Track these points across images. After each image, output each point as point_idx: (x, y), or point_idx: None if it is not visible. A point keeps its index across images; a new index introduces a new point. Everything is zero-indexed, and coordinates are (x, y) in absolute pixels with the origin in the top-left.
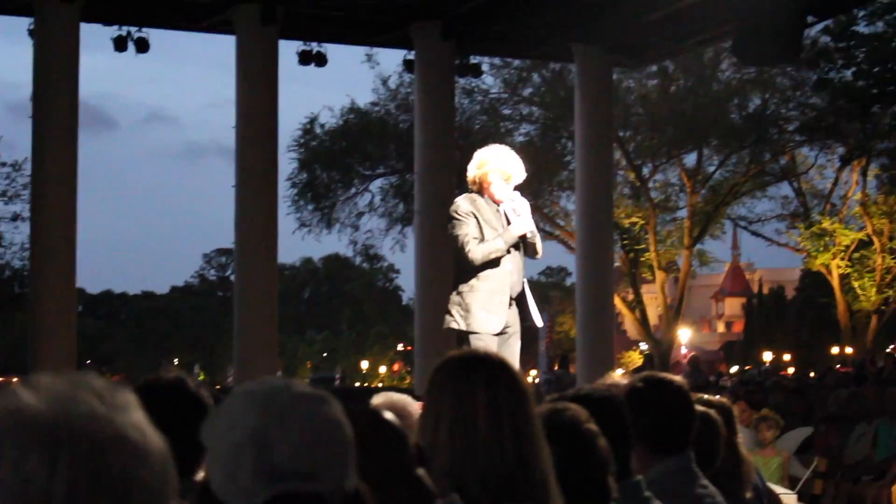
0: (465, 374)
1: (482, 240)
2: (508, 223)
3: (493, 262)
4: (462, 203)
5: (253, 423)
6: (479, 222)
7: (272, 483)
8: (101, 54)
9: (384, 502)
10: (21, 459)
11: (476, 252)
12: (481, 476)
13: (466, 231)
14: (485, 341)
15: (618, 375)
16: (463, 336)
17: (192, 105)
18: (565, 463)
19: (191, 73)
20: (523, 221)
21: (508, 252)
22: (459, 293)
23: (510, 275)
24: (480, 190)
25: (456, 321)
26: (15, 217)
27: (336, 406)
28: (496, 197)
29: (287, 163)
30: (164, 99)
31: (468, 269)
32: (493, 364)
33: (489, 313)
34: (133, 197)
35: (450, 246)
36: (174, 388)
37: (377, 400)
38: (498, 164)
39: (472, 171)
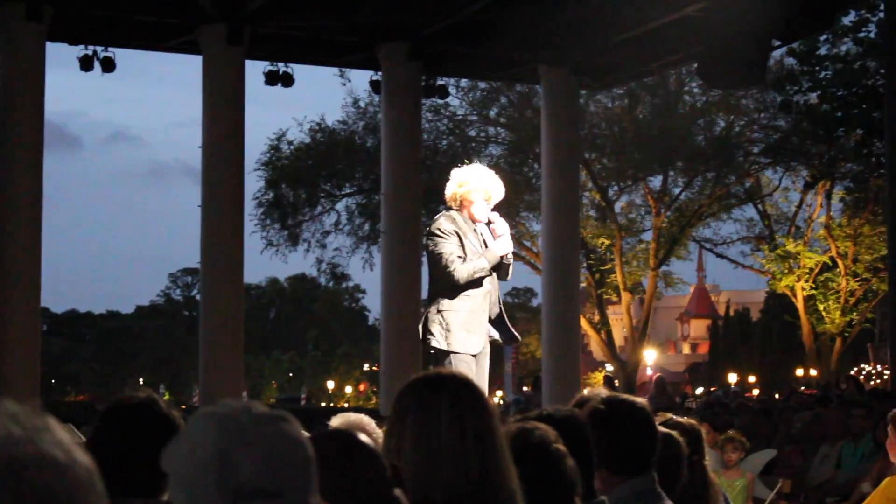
0: (429, 393)
1: (465, 259)
2: (484, 244)
3: (475, 282)
4: (444, 221)
5: (215, 444)
6: (461, 241)
7: (236, 502)
8: (67, 73)
9: None
10: None
11: (461, 271)
12: (446, 493)
13: (451, 249)
14: (465, 362)
15: (604, 390)
16: (442, 355)
17: (158, 124)
18: (533, 483)
19: (157, 93)
20: (505, 242)
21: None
22: (440, 312)
23: (489, 295)
24: (459, 207)
25: (437, 340)
26: None
27: (296, 425)
28: (476, 216)
29: (255, 181)
30: (130, 118)
31: (450, 288)
32: (457, 383)
33: (469, 333)
34: (98, 216)
35: (424, 264)
36: (144, 408)
37: (335, 422)
38: (479, 184)
39: (453, 188)
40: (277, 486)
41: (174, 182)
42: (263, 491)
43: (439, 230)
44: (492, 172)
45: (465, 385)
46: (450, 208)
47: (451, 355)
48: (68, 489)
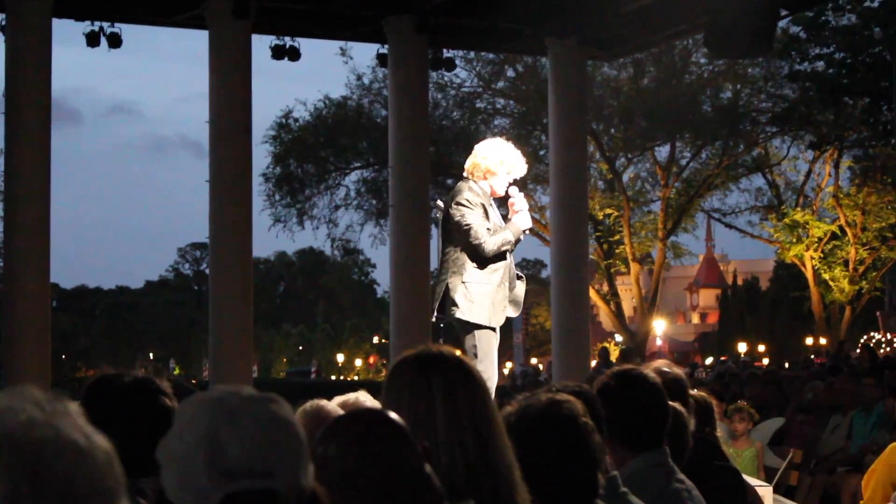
0: (421, 373)
1: (493, 231)
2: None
3: (500, 255)
4: (469, 192)
5: (203, 426)
6: (486, 212)
7: (225, 483)
8: (73, 49)
9: (394, 501)
10: None
11: (490, 243)
12: (445, 477)
13: (480, 221)
14: (487, 335)
15: (663, 362)
16: (465, 327)
17: (164, 99)
18: (560, 455)
19: (163, 68)
20: (526, 217)
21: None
22: (465, 283)
23: (509, 269)
24: (479, 179)
25: (462, 312)
26: None
27: (286, 406)
28: (496, 190)
29: (262, 157)
30: (135, 93)
31: (477, 260)
32: (448, 360)
33: (495, 307)
34: (104, 191)
35: (433, 234)
36: (136, 388)
37: (335, 402)
38: (504, 157)
39: (476, 159)
40: (267, 466)
41: (180, 157)
42: (253, 471)
43: (467, 200)
44: (513, 146)
45: (457, 364)
46: (467, 179)
47: (476, 329)
48: (87, 473)
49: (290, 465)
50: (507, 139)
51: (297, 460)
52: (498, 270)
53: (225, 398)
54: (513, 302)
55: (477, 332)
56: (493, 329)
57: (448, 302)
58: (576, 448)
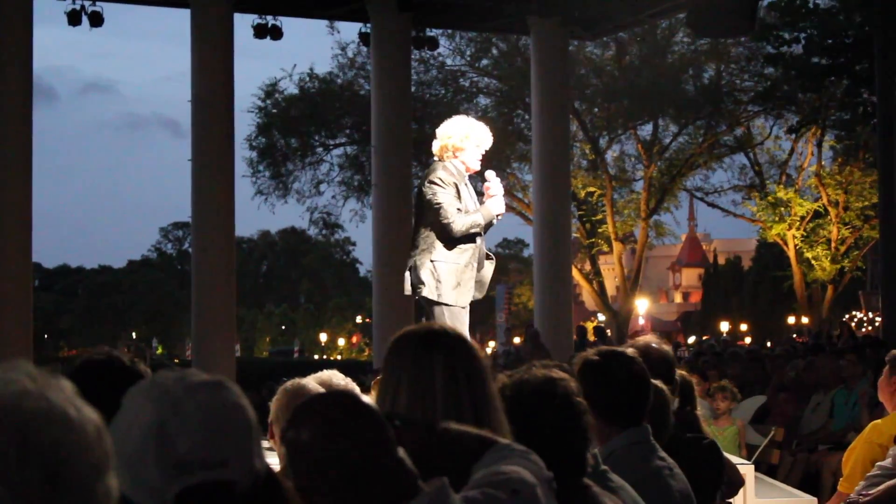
0: (423, 346)
1: (462, 211)
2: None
3: (469, 236)
4: (442, 171)
5: (150, 419)
6: (458, 192)
7: (179, 477)
8: (53, 29)
9: (368, 488)
10: None
11: (459, 224)
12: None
13: (450, 201)
14: (453, 314)
15: (650, 337)
16: (429, 305)
17: (143, 78)
18: (553, 433)
19: (144, 47)
20: (499, 202)
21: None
22: (433, 262)
23: (480, 249)
24: (450, 158)
25: (428, 290)
26: None
27: (234, 390)
28: (470, 165)
29: (246, 126)
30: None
31: (445, 239)
32: (451, 338)
33: (461, 287)
34: (81, 170)
35: (421, 211)
36: (108, 366)
37: (313, 383)
38: (468, 131)
39: (442, 141)
40: (219, 455)
41: (157, 136)
42: (205, 462)
43: (440, 179)
44: (478, 121)
45: (459, 342)
46: (437, 159)
47: (443, 307)
48: (76, 445)
49: (242, 451)
50: (490, 118)
51: (248, 445)
52: (467, 251)
53: (170, 388)
54: (478, 283)
55: (445, 310)
56: (463, 308)
57: (415, 279)
58: (569, 427)
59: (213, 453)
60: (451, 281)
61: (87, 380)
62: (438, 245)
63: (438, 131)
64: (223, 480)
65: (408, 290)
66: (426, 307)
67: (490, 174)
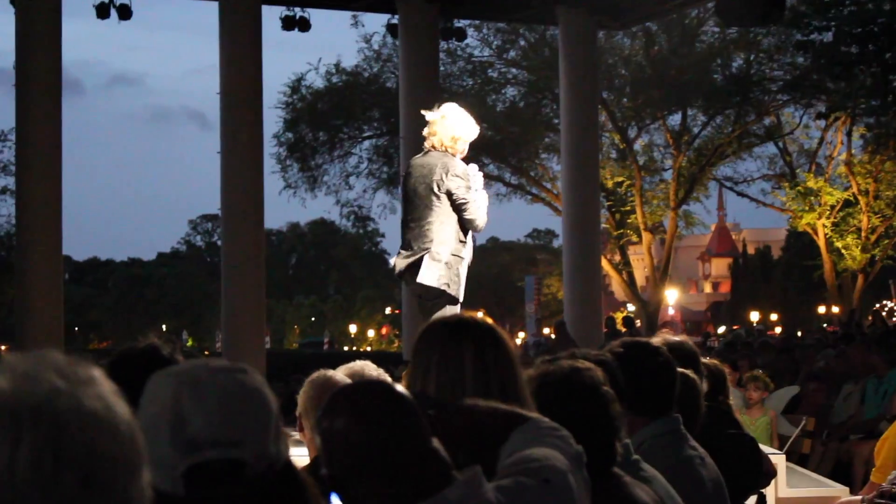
0: (453, 335)
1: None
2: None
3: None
4: (459, 165)
5: (168, 397)
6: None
7: (189, 453)
8: (82, 22)
9: (402, 476)
10: None
11: (481, 221)
12: None
13: (472, 196)
14: (455, 309)
15: (666, 331)
16: (441, 298)
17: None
18: (580, 423)
19: (172, 40)
20: (484, 196)
21: None
22: (454, 255)
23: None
24: (450, 148)
25: (448, 286)
26: (3, 190)
27: (256, 376)
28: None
29: (273, 122)
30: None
31: (465, 233)
32: (481, 327)
33: (461, 281)
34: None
35: (428, 202)
36: (147, 356)
37: (340, 374)
38: (469, 139)
39: (451, 136)
40: (232, 435)
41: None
42: (217, 441)
43: (465, 174)
44: (458, 107)
45: (489, 330)
46: (431, 146)
47: (456, 306)
48: (109, 445)
49: (257, 434)
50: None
51: (265, 430)
52: (469, 248)
53: (191, 370)
54: None
55: (450, 306)
56: (459, 301)
57: (436, 274)
58: (596, 416)
59: (225, 433)
60: (462, 278)
61: (126, 370)
62: (454, 239)
63: (444, 123)
64: (233, 460)
65: (430, 280)
66: (428, 299)
67: (473, 168)
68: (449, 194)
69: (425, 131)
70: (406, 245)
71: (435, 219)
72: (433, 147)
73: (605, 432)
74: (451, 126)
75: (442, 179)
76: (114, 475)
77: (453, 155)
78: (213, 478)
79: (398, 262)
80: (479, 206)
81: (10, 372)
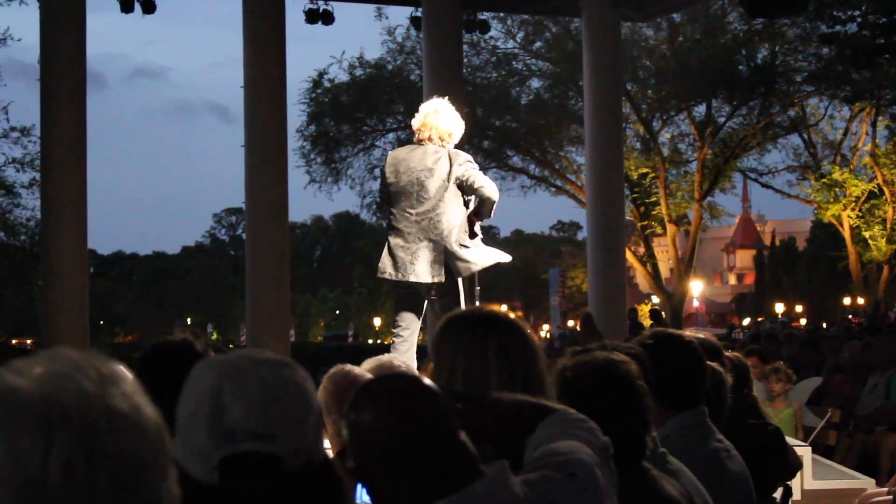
0: (477, 329)
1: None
2: None
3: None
4: (462, 153)
5: (208, 386)
6: None
7: (225, 444)
8: (106, 16)
9: (430, 470)
10: (14, 443)
11: (497, 195)
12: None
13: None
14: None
15: (688, 331)
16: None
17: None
18: (613, 415)
19: (196, 33)
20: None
21: None
22: (474, 238)
23: None
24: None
25: (471, 271)
26: (31, 183)
27: (300, 372)
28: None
29: (296, 116)
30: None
31: (481, 221)
32: (503, 320)
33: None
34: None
35: (441, 193)
36: (182, 351)
37: (366, 366)
38: (460, 127)
39: (448, 131)
40: (270, 428)
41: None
42: (254, 433)
43: (467, 157)
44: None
45: (512, 323)
46: (428, 138)
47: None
48: (139, 448)
49: (295, 429)
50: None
51: (303, 426)
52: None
53: (234, 360)
54: None
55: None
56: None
57: (473, 256)
58: (629, 409)
59: (263, 426)
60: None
61: (160, 363)
62: (463, 231)
63: (438, 117)
64: (269, 453)
65: (483, 261)
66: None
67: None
68: (462, 181)
69: (416, 123)
70: (404, 238)
71: (446, 209)
72: (429, 139)
73: (636, 426)
74: (447, 121)
75: (453, 170)
76: (143, 476)
77: (445, 145)
78: (248, 470)
79: (417, 268)
80: (490, 182)
81: (37, 373)
